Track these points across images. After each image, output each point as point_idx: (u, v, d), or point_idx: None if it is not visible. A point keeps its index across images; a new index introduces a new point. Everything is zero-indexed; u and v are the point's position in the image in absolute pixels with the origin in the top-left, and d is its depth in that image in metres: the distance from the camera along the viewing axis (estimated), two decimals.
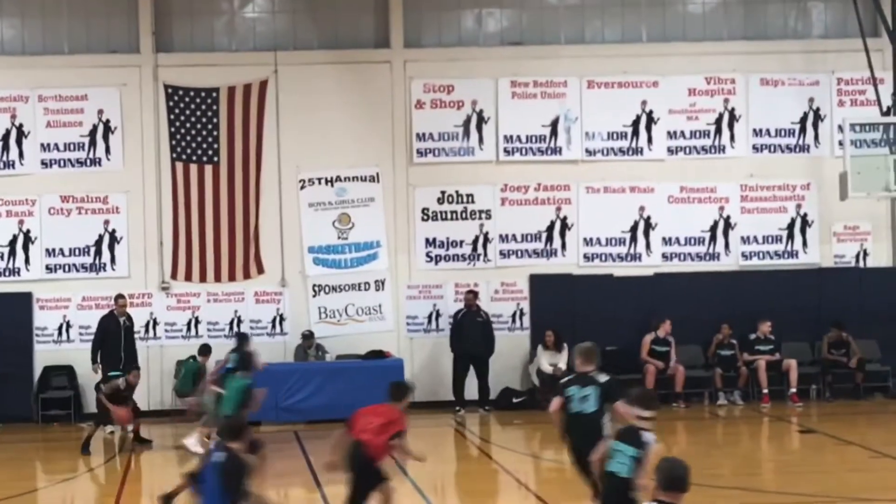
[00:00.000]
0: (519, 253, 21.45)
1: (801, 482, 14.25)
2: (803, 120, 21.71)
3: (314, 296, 21.18)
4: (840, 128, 21.00)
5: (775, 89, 21.71)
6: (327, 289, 21.22)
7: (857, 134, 20.82)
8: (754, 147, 21.68)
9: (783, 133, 21.72)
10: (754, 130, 21.67)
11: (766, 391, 20.35)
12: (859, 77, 21.37)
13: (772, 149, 21.69)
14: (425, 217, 21.38)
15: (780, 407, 20.15)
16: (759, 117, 21.65)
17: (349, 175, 21.26)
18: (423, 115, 21.38)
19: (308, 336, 20.64)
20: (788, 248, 21.62)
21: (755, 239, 21.60)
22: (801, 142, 21.71)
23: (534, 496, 14.37)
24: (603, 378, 11.39)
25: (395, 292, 21.24)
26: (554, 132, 21.51)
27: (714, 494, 13.40)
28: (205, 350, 19.56)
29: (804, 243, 21.61)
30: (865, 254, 21.63)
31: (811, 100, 21.71)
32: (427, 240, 21.36)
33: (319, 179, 21.25)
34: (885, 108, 20.96)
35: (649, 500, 7.26)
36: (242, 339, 17.82)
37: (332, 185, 21.29)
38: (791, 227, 21.63)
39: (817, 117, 21.71)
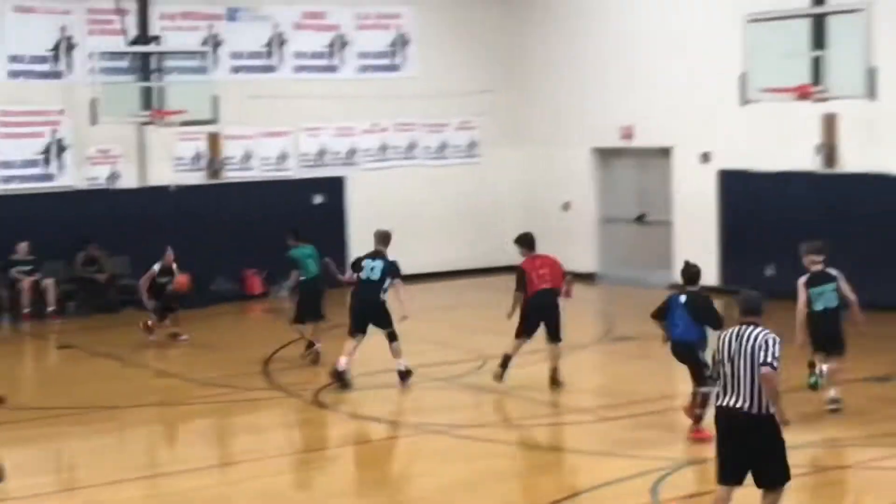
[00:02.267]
0: None
1: (57, 395, 15.61)
2: (57, 48, 22.71)
3: None
4: (91, 56, 22.25)
5: (30, 16, 22.39)
6: None
7: (107, 62, 22.28)
8: (11, 73, 22.31)
9: (38, 60, 22.56)
10: (10, 57, 22.27)
11: (26, 310, 21.47)
12: (107, 7, 22.71)
13: (28, 75, 22.49)
14: None
15: (41, 324, 21.33)
16: (16, 44, 22.26)
17: None
18: None
19: None
20: (46, 171, 22.72)
21: (15, 163, 22.43)
22: (55, 69, 22.71)
23: None
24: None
25: None
26: None
27: None
28: None
29: (60, 166, 22.80)
30: (117, 175, 23.27)
31: (63, 28, 22.71)
32: None
33: None
34: (131, 38, 22.58)
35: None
36: None
37: None
38: (48, 151, 22.68)
39: (70, 45, 22.79)
